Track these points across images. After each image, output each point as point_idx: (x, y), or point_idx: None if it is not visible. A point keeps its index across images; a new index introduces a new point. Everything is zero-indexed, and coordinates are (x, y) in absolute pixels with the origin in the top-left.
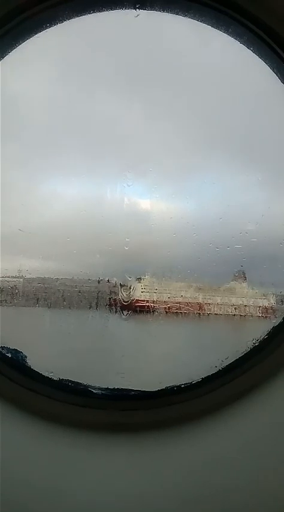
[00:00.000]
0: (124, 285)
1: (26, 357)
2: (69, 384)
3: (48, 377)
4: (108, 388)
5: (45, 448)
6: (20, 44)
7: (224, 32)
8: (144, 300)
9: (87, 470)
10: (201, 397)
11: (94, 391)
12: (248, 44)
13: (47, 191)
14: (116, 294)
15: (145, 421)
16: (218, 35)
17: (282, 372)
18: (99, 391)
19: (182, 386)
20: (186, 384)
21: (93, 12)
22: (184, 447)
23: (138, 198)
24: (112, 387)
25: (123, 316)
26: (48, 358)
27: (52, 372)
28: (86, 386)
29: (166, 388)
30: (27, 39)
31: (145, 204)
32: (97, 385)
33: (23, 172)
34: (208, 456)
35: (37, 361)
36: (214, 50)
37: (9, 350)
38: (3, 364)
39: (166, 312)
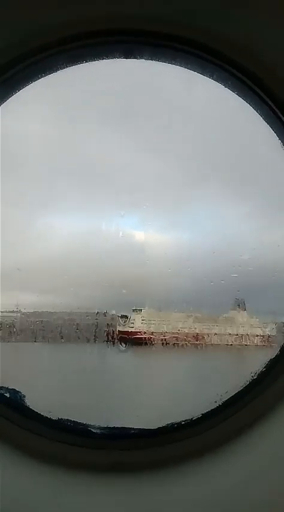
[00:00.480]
0: (122, 317)
1: (24, 396)
2: (68, 423)
3: (46, 417)
4: (107, 427)
5: (44, 489)
6: (20, 89)
7: (209, 78)
8: (142, 332)
9: (87, 511)
10: (202, 434)
11: (93, 430)
12: (232, 87)
13: (43, 226)
14: (114, 326)
15: (145, 460)
16: (204, 80)
17: (281, 404)
18: (99, 431)
19: (182, 423)
20: (186, 420)
21: (86, 61)
22: (186, 485)
23: (132, 230)
24: (111, 426)
25: (122, 349)
26: (46, 396)
27: (50, 412)
28: (86, 426)
29: (167, 425)
30: (26, 85)
31: (139, 235)
32: (96, 424)
33: (20, 208)
34: (210, 493)
35: (35, 400)
36: (201, 94)
37: (7, 390)
38: (1, 404)
39: (166, 344)
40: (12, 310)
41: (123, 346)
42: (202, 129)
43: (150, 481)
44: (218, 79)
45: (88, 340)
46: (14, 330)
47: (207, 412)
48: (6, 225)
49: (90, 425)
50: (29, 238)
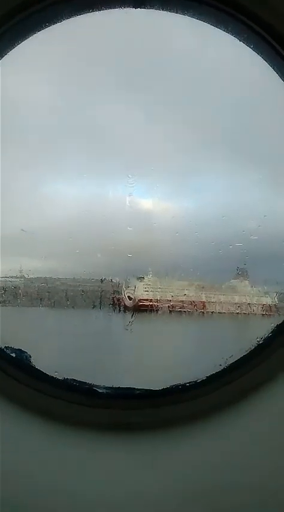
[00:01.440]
0: (127, 285)
1: (30, 356)
2: (74, 383)
3: (52, 376)
4: (112, 387)
5: (49, 447)
6: (19, 43)
7: (223, 30)
8: (147, 299)
9: (91, 470)
10: (207, 396)
11: (99, 390)
12: (247, 41)
13: (49, 192)
14: (119, 293)
15: (150, 420)
16: (217, 33)
17: None
18: (104, 390)
19: (187, 385)
20: (191, 382)
21: (92, 11)
22: (190, 446)
23: (139, 198)
24: (116, 386)
25: (126, 315)
26: (52, 358)
27: (56, 372)
28: (91, 386)
29: (171, 386)
30: (27, 38)
31: (147, 203)
32: (102, 384)
33: (25, 173)
34: (215, 455)
35: (41, 361)
36: (214, 49)
37: (13, 350)
38: (8, 364)
39: (170, 311)
40: (15, 275)
41: (127, 313)
42: (214, 89)
43: (155, 441)
44: (233, 32)
45: (93, 306)
46: (19, 293)
47: (212, 374)
48: (11, 189)
49: (96, 385)
50: (34, 204)
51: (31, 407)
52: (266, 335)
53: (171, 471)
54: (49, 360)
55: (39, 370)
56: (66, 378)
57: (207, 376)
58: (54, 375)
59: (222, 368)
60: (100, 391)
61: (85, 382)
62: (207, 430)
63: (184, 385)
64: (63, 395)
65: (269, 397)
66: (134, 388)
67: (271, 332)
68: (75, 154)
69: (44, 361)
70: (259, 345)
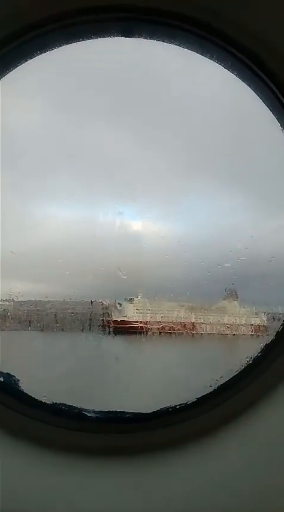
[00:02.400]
0: (116, 307)
1: (18, 380)
2: (63, 407)
3: (41, 401)
4: (102, 411)
5: (38, 473)
6: (11, 70)
7: (209, 58)
8: (136, 321)
9: (82, 495)
10: (197, 418)
11: (88, 414)
12: (232, 69)
13: (39, 215)
14: (109, 315)
15: (140, 444)
16: (203, 60)
17: (277, 389)
18: (93, 415)
19: (177, 407)
20: (181, 404)
21: (82, 40)
22: (181, 469)
23: (129, 220)
24: (106, 410)
25: (116, 338)
26: (41, 382)
27: (45, 396)
28: (80, 410)
29: (161, 409)
30: (17, 66)
31: (136, 225)
32: (91, 408)
33: (16, 197)
34: (206, 477)
35: (30, 385)
36: (200, 76)
37: (1, 374)
38: None
39: (160, 333)
40: (4, 298)
41: (117, 335)
42: (201, 115)
43: (145, 465)
44: (218, 60)
45: (82, 329)
46: (8, 316)
47: (202, 396)
48: (1, 213)
49: (85, 409)
50: (24, 228)
51: (19, 432)
52: (256, 355)
53: (163, 494)
54: (37, 384)
55: (27, 394)
56: (54, 402)
57: (197, 398)
58: (43, 399)
59: (212, 389)
60: (90, 415)
61: (74, 407)
62: (198, 452)
63: (174, 408)
64: (52, 419)
65: (260, 416)
66: (124, 412)
67: (260, 352)
68: (66, 178)
69: (33, 385)
70: (248, 365)
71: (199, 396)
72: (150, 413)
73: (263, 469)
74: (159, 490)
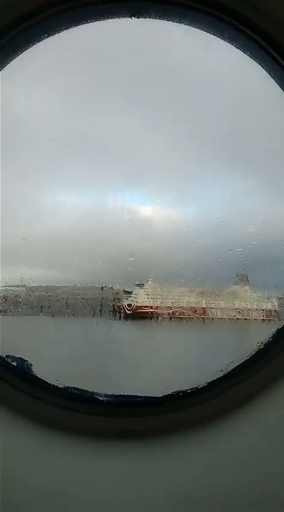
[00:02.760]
0: (127, 292)
1: (31, 365)
2: (75, 391)
3: (53, 385)
4: (113, 394)
5: (51, 456)
6: (19, 55)
7: (220, 38)
8: (147, 306)
9: (94, 477)
10: (208, 402)
11: (100, 398)
12: (244, 48)
13: (49, 201)
14: (120, 300)
15: (151, 427)
16: (214, 40)
17: None
18: (105, 398)
19: (188, 391)
20: (192, 388)
21: (90, 21)
22: (193, 452)
23: (139, 205)
24: (118, 394)
25: (127, 322)
26: (53, 366)
27: (57, 380)
28: (92, 394)
29: (172, 393)
30: (26, 50)
31: (146, 210)
32: (103, 392)
33: (26, 183)
34: (216, 460)
35: (42, 370)
36: (211, 56)
37: (14, 359)
38: (9, 372)
39: (170, 318)
40: (16, 284)
41: (128, 320)
42: (212, 97)
43: (156, 448)
44: (229, 39)
45: (94, 314)
46: (20, 302)
47: (213, 380)
48: (12, 199)
49: (97, 393)
50: (35, 213)
51: (32, 416)
52: (267, 340)
53: (174, 477)
54: (50, 368)
55: (40, 378)
56: (67, 386)
57: (208, 382)
58: (55, 383)
59: (223, 374)
60: (102, 399)
61: (86, 390)
62: (209, 435)
63: (185, 392)
64: (64, 403)
65: (271, 401)
66: (135, 396)
67: (272, 337)
68: (76, 164)
69: (45, 369)
70: (259, 349)
71: (210, 380)
72: (161, 397)
73: (275, 453)
74: (170, 473)
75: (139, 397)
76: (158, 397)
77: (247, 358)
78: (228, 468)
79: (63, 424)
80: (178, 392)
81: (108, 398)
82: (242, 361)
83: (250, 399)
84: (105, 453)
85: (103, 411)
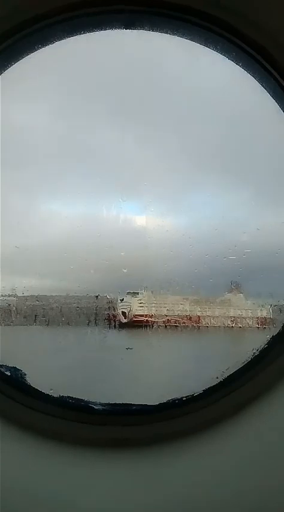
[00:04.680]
0: (122, 300)
1: (25, 374)
2: (70, 400)
3: (48, 394)
4: (109, 403)
5: (46, 466)
6: (12, 64)
7: (213, 50)
8: (142, 315)
9: (89, 487)
10: (203, 409)
11: (95, 407)
12: (236, 60)
13: (44, 211)
14: (114, 309)
15: (147, 436)
16: (207, 52)
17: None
18: (100, 407)
19: (183, 399)
20: (187, 396)
21: (84, 33)
22: (187, 461)
23: (133, 215)
24: (113, 402)
25: (121, 331)
26: (47, 375)
27: (52, 389)
28: (87, 403)
29: (168, 401)
30: (21, 58)
31: (140, 220)
32: (98, 401)
33: (21, 193)
34: (213, 469)
35: (37, 379)
36: (203, 68)
37: (7, 368)
38: (2, 382)
39: (165, 326)
40: (9, 293)
41: (122, 329)
42: (205, 109)
43: (152, 457)
44: (222, 50)
45: (88, 323)
46: (13, 311)
47: (208, 387)
48: (6, 209)
49: (92, 401)
50: (29, 222)
51: (26, 425)
52: (263, 346)
53: (171, 487)
54: (44, 377)
55: (33, 387)
56: (61, 395)
57: (203, 390)
58: (49, 392)
59: (219, 381)
60: (97, 407)
61: (81, 399)
62: (205, 443)
63: (181, 399)
64: (59, 413)
65: (268, 407)
66: (131, 404)
67: (267, 343)
68: (69, 175)
69: (39, 378)
70: (255, 356)
71: (206, 388)
72: (156, 405)
73: (272, 460)
74: (167, 483)
75: (135, 405)
76: (153, 405)
77: (243, 364)
78: (225, 476)
79: (58, 434)
80: (173, 400)
81: (103, 407)
82: (238, 368)
83: (246, 406)
84: (100, 462)
85: (98, 420)
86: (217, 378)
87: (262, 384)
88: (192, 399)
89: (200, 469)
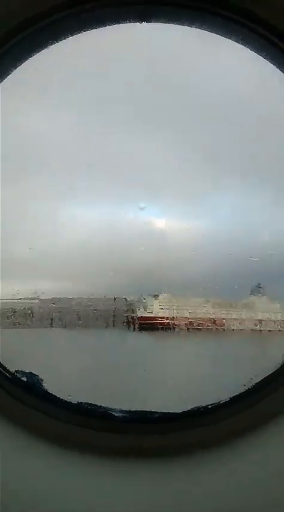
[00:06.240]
0: (142, 302)
1: (42, 380)
2: (89, 407)
3: (66, 401)
4: (130, 410)
5: (65, 476)
6: (22, 63)
7: (233, 40)
8: (162, 317)
9: (109, 498)
10: (230, 419)
11: (115, 414)
12: (258, 49)
13: (64, 215)
14: (133, 311)
15: (169, 445)
16: (227, 43)
17: None
18: (121, 414)
19: (209, 407)
20: (213, 404)
21: (97, 27)
22: (212, 473)
23: (154, 217)
24: (134, 409)
25: (141, 334)
26: (65, 381)
27: (70, 396)
28: (107, 410)
29: (192, 409)
30: (31, 56)
31: (161, 222)
32: (118, 407)
33: (40, 200)
34: (238, 482)
35: (54, 384)
36: (224, 61)
37: (24, 373)
38: (18, 388)
39: (187, 329)
40: (29, 296)
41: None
42: (227, 107)
43: (174, 468)
44: (244, 41)
45: (106, 325)
46: (32, 315)
47: (236, 395)
48: (25, 215)
49: (112, 408)
50: (50, 229)
51: (43, 433)
52: None
53: (194, 498)
54: (62, 382)
55: (51, 394)
56: (80, 401)
57: (230, 398)
58: (68, 398)
59: (246, 388)
60: (117, 415)
61: (100, 406)
62: (231, 455)
63: (206, 407)
64: (77, 420)
65: None
66: (152, 412)
67: None
68: (89, 179)
69: (57, 384)
70: None
71: (233, 396)
72: (180, 413)
73: None
74: (190, 494)
75: (156, 412)
76: (176, 413)
77: (272, 372)
78: (252, 490)
79: (77, 443)
80: (198, 408)
81: (123, 415)
82: (266, 375)
83: (276, 415)
84: (121, 472)
85: (118, 428)
86: (245, 385)
87: None
88: (217, 407)
89: (226, 482)
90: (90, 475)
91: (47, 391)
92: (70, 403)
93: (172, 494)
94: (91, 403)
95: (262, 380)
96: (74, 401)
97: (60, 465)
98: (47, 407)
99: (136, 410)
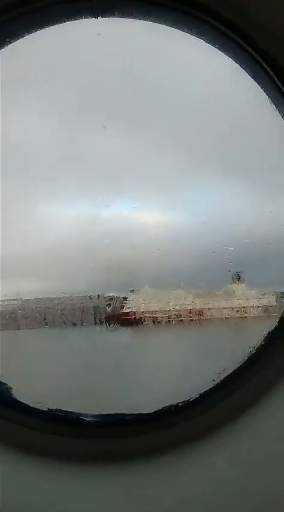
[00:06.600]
0: (124, 298)
1: (11, 388)
2: (60, 413)
3: (36, 408)
4: (101, 414)
5: (34, 484)
6: None
7: (187, 33)
8: (144, 312)
9: (82, 505)
10: (201, 416)
11: (86, 419)
12: (213, 42)
13: (43, 215)
14: (114, 307)
15: (142, 447)
16: (181, 35)
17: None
18: (92, 419)
19: (180, 405)
20: (184, 402)
21: (53, 24)
22: (185, 472)
23: (129, 214)
24: (105, 413)
25: (122, 329)
26: (36, 386)
27: (40, 403)
28: (78, 415)
29: (163, 408)
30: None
31: (139, 217)
32: (89, 412)
33: (21, 200)
34: (212, 479)
35: (23, 391)
36: (181, 52)
37: None
38: None
39: (168, 321)
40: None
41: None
42: (197, 102)
43: (148, 469)
44: (197, 33)
45: (83, 324)
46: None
47: (205, 391)
48: (5, 216)
49: (83, 413)
50: (28, 227)
51: (12, 442)
52: (259, 344)
53: (168, 500)
54: (33, 388)
55: (20, 402)
56: (50, 408)
57: (199, 394)
58: (38, 406)
59: (215, 383)
60: (88, 420)
61: (72, 412)
62: (205, 451)
63: (177, 406)
64: (48, 427)
65: (267, 410)
66: (124, 414)
67: (263, 340)
68: (65, 177)
69: (27, 391)
70: (252, 355)
71: (202, 392)
72: (151, 413)
73: (271, 468)
74: (164, 496)
75: (128, 415)
76: (148, 414)
77: (239, 365)
78: (226, 486)
79: (47, 450)
80: (169, 407)
81: (95, 419)
82: (233, 370)
83: (246, 409)
84: (93, 478)
85: (90, 433)
86: (214, 380)
87: (262, 384)
88: (187, 405)
89: (199, 480)
90: (61, 482)
91: (16, 399)
92: (40, 410)
93: (146, 497)
94: (61, 410)
95: (228, 375)
96: (44, 408)
97: (31, 473)
98: (16, 416)
99: (108, 414)
